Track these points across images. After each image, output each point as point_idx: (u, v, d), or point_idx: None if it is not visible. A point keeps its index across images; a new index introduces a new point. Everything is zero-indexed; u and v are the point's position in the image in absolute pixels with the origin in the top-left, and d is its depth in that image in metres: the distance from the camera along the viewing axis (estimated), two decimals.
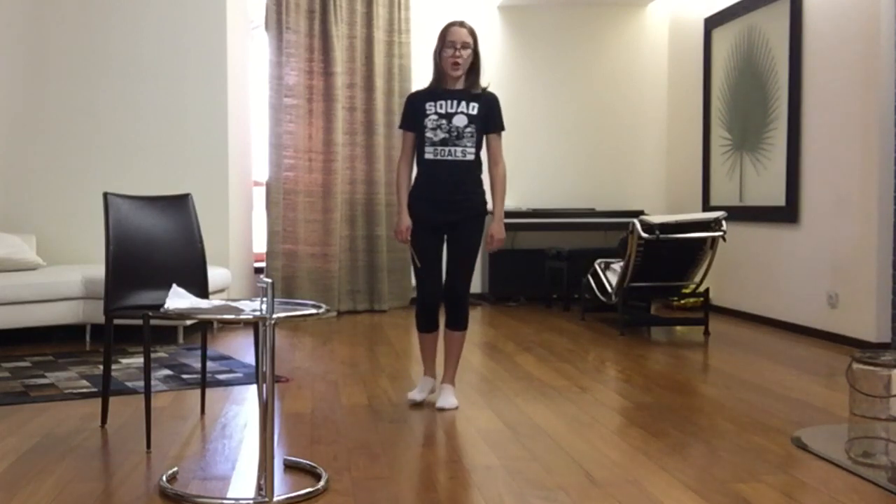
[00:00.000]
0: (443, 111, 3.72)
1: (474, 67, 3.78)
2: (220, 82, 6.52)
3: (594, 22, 8.11)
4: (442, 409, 3.75)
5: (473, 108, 3.74)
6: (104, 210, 3.37)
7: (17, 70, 6.44)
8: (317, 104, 7.17)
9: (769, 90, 6.34)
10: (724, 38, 7.04)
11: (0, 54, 6.37)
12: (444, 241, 3.84)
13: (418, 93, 3.85)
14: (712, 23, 7.21)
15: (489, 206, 3.84)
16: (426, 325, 3.88)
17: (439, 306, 3.84)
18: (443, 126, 3.71)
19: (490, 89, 3.85)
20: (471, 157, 3.74)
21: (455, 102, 3.73)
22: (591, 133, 8.14)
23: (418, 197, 3.80)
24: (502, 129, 3.84)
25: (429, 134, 3.72)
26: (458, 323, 3.84)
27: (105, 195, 3.39)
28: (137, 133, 6.52)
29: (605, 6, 8.08)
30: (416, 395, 3.88)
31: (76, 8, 6.48)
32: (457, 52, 3.70)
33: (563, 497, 2.63)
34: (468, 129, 3.71)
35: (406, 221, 3.81)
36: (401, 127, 3.87)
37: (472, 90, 3.76)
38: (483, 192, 3.83)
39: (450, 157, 3.72)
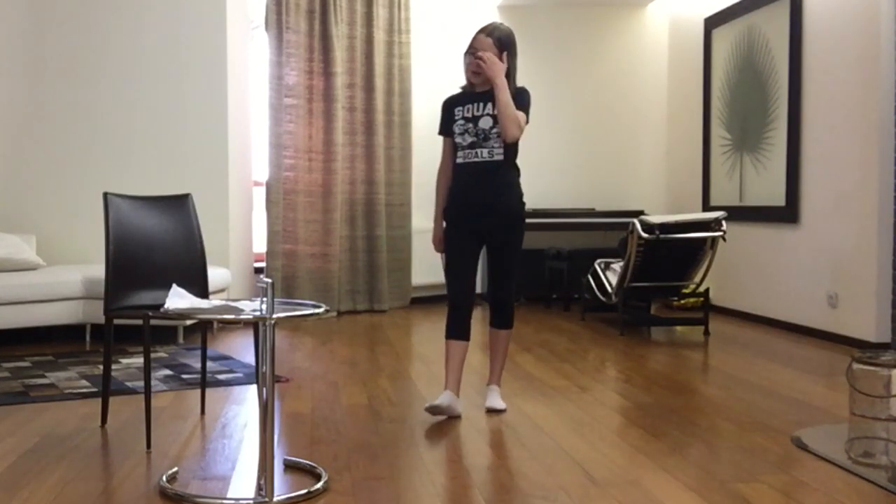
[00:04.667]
0: (469, 115, 3.65)
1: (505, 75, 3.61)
2: (220, 82, 6.52)
3: (594, 22, 8.11)
4: (491, 410, 3.69)
5: None
6: (104, 210, 3.37)
7: (16, 70, 6.44)
8: (317, 104, 7.17)
9: (769, 90, 6.34)
10: (724, 38, 7.04)
11: (0, 54, 6.37)
12: (480, 244, 3.72)
13: (452, 97, 3.78)
14: (712, 23, 7.21)
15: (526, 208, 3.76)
16: (454, 331, 3.66)
17: (470, 311, 3.68)
18: (470, 130, 3.64)
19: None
20: (499, 157, 3.63)
21: (482, 105, 3.64)
22: (591, 133, 8.14)
23: (452, 202, 3.73)
24: (524, 111, 3.60)
25: (458, 139, 3.67)
26: (502, 323, 3.79)
27: (105, 195, 3.39)
28: (137, 133, 6.52)
29: (605, 6, 8.08)
30: (433, 401, 3.62)
31: (76, 8, 6.48)
32: (476, 60, 3.62)
33: (563, 497, 2.63)
34: (494, 130, 3.60)
35: (438, 232, 3.80)
36: (439, 133, 3.81)
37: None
38: (518, 196, 3.70)
39: (476, 159, 3.64)
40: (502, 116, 3.54)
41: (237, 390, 4.22)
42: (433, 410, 3.58)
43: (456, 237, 3.70)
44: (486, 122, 3.62)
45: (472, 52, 3.64)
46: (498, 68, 3.56)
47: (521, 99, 3.63)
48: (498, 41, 3.62)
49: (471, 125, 3.64)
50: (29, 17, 6.45)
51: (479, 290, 7.95)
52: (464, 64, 3.70)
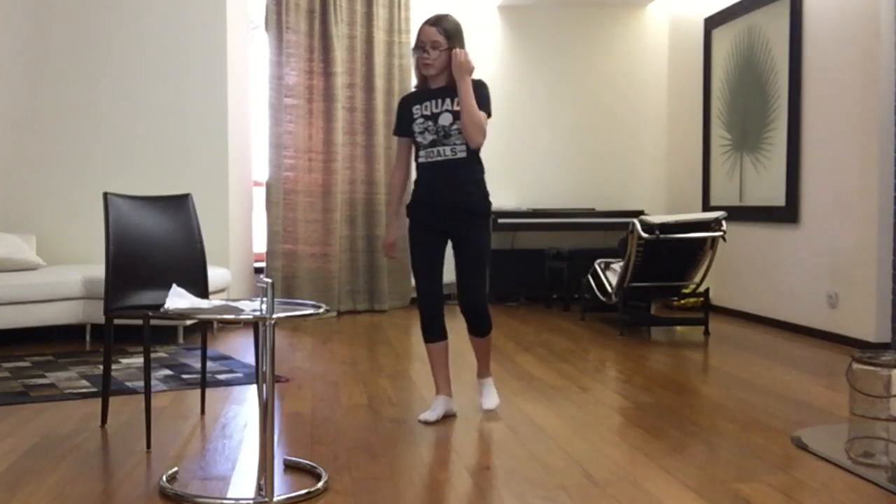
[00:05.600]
0: (428, 112, 3.55)
1: (451, 69, 3.51)
2: (220, 82, 6.52)
3: (594, 22, 8.11)
4: (488, 410, 3.69)
5: (458, 104, 3.50)
6: (104, 210, 3.37)
7: (17, 70, 6.44)
8: (317, 104, 7.17)
9: (769, 90, 6.34)
10: (724, 38, 7.04)
11: (0, 54, 6.37)
12: (445, 244, 3.65)
13: (409, 96, 3.68)
14: (712, 23, 7.21)
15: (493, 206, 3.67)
16: (430, 334, 3.64)
17: (441, 311, 3.63)
18: (430, 128, 3.54)
19: (490, 89, 3.62)
20: (462, 154, 3.53)
21: (439, 101, 3.54)
22: (591, 133, 8.14)
23: (417, 202, 3.64)
24: (487, 112, 3.52)
25: (419, 138, 3.57)
26: (480, 330, 3.67)
27: (105, 195, 3.39)
28: (137, 133, 6.52)
29: (605, 6, 8.08)
30: (428, 415, 3.56)
31: (76, 8, 6.48)
32: (425, 53, 3.51)
33: (563, 497, 2.63)
34: (455, 126, 3.50)
35: (391, 237, 3.72)
36: (394, 133, 3.71)
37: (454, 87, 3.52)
38: (484, 193, 3.63)
39: (439, 158, 3.54)
40: (466, 124, 3.46)
41: (237, 390, 4.22)
42: (427, 423, 3.54)
43: (422, 238, 3.61)
44: (445, 119, 3.52)
45: (420, 46, 3.52)
46: (465, 69, 3.46)
47: (482, 95, 3.53)
48: (445, 32, 3.50)
49: (430, 123, 3.54)
50: (29, 17, 6.45)
51: None
52: (413, 59, 3.60)
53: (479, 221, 3.60)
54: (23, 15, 6.44)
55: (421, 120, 3.56)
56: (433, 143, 3.55)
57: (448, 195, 3.56)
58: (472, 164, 3.58)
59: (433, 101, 3.56)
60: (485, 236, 3.61)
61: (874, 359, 3.64)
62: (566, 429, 3.44)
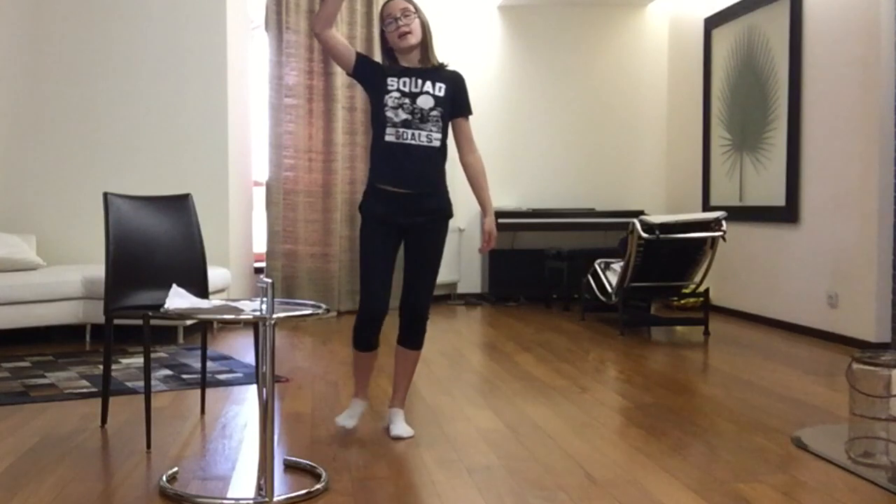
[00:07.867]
0: (406, 89, 3.23)
1: (424, 40, 3.28)
2: (220, 82, 6.52)
3: (594, 22, 8.11)
4: (398, 438, 3.29)
5: (440, 90, 3.25)
6: (104, 210, 3.37)
7: (17, 70, 6.44)
8: (317, 104, 7.17)
9: (769, 90, 6.34)
10: (724, 38, 7.04)
11: (0, 54, 6.37)
12: (400, 242, 3.31)
13: (381, 63, 3.37)
14: (712, 23, 7.21)
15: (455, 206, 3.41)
16: (365, 343, 3.31)
17: (383, 319, 3.27)
18: (405, 106, 3.21)
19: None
20: (437, 143, 3.24)
21: (420, 81, 3.24)
22: (590, 133, 8.14)
23: (376, 191, 3.27)
24: (470, 112, 3.36)
25: (389, 113, 3.21)
26: (415, 342, 3.37)
27: (105, 195, 3.39)
28: (137, 133, 6.52)
29: (605, 6, 8.08)
30: (346, 421, 3.32)
31: (76, 8, 6.48)
32: (399, 20, 3.23)
33: (563, 497, 2.63)
34: (434, 113, 3.22)
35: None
36: (351, 71, 3.36)
37: (434, 67, 3.29)
38: (447, 191, 3.34)
39: (413, 142, 3.20)
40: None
41: (237, 390, 4.22)
42: (346, 431, 3.35)
43: (377, 235, 3.25)
44: (425, 102, 3.23)
45: (391, 19, 3.26)
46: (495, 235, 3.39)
47: (464, 92, 3.33)
48: (415, 5, 3.28)
49: (407, 101, 3.22)
50: (29, 17, 6.45)
51: (479, 289, 7.95)
52: (386, 33, 3.31)
53: (442, 224, 3.32)
54: (23, 15, 6.44)
55: (397, 95, 3.23)
56: (406, 124, 3.21)
57: (415, 185, 3.23)
58: (441, 157, 3.30)
59: (411, 79, 3.25)
60: (443, 238, 3.35)
61: (874, 359, 3.64)
62: (566, 429, 3.44)
